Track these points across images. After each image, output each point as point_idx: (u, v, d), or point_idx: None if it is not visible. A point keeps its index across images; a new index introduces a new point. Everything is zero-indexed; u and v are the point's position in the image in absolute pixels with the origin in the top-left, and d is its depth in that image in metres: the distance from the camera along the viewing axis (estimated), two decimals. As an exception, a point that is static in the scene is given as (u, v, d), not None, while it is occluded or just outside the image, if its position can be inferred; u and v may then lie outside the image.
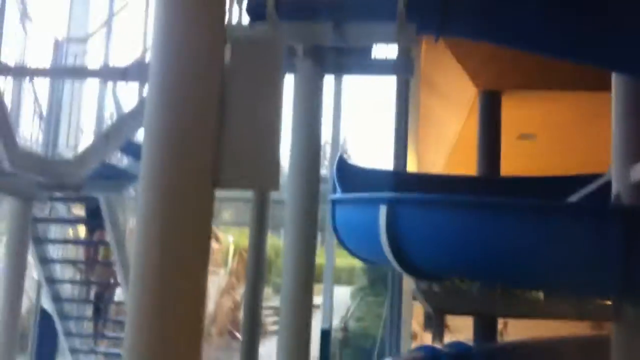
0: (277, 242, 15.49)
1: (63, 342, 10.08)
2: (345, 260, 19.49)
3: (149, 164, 3.24)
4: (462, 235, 6.45)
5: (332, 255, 12.38)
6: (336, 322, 14.66)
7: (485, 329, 11.37)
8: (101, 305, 10.06)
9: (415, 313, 12.79)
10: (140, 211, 3.19)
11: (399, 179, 9.66)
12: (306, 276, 6.81)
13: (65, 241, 9.95)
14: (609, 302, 9.00)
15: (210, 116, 3.22)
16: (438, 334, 10.86)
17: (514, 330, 12.02)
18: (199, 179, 3.18)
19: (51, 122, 9.48)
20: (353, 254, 8.81)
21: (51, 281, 9.56)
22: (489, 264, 6.52)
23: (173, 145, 3.18)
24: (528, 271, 6.42)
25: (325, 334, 10.88)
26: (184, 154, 3.17)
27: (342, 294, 17.99)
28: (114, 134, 8.11)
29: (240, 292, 16.39)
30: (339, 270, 17.26)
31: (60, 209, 9.61)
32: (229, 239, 19.12)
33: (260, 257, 7.43)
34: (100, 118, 9.77)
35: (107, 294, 10.15)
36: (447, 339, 11.05)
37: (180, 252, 3.15)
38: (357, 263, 21.61)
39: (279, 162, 3.35)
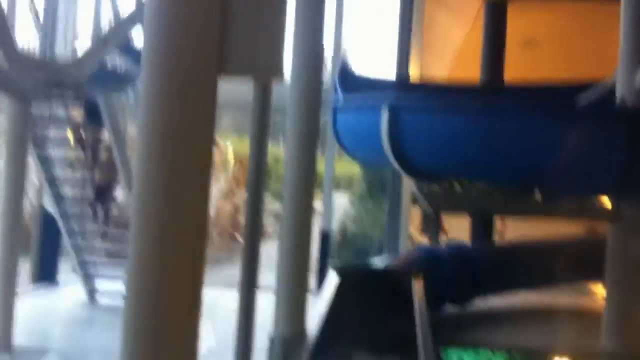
0: (276, 150, 15.54)
1: (66, 242, 10.15)
2: (344, 167, 19.58)
3: (151, 59, 3.18)
4: (464, 138, 6.49)
5: (331, 162, 12.48)
6: (335, 226, 14.83)
7: (482, 230, 11.58)
8: (101, 203, 10.05)
9: (412, 217, 12.96)
10: (144, 106, 3.15)
11: (402, 87, 9.60)
12: (307, 182, 6.82)
13: (66, 142, 9.84)
14: (606, 204, 9.14)
15: (215, 6, 3.15)
16: (435, 236, 11.09)
17: (513, 230, 12.19)
18: (203, 68, 3.13)
19: (48, 23, 9.31)
20: (354, 158, 8.89)
21: (52, 182, 9.56)
22: (491, 165, 6.58)
23: (176, 37, 3.12)
24: (531, 172, 6.48)
25: (325, 236, 11.04)
26: (188, 45, 3.11)
27: (341, 200, 18.15)
28: (112, 37, 7.99)
29: (240, 196, 16.55)
30: (338, 177, 17.36)
31: (59, 112, 9.53)
32: (228, 146, 19.16)
33: (261, 162, 7.38)
34: (97, 21, 9.61)
35: (107, 193, 10.15)
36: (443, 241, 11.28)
37: (185, 144, 3.13)
38: (355, 170, 21.75)
39: (283, 51, 3.29)
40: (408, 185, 12.23)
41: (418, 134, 6.91)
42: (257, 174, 7.54)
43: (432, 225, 11.68)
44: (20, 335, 7.77)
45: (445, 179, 8.02)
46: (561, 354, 9.13)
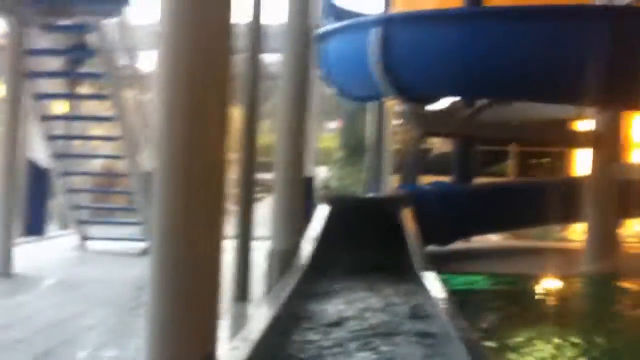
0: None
1: (63, 197, 10.11)
2: (321, 143, 19.90)
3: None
4: (456, 50, 6.62)
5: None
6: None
7: (463, 169, 11.88)
8: None
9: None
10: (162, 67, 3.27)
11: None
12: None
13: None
14: (588, 129, 9.44)
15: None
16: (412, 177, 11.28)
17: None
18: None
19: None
20: (341, 91, 9.05)
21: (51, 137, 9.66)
22: (480, 76, 6.73)
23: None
24: (521, 79, 6.63)
25: (309, 181, 11.19)
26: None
27: (322, 171, 18.36)
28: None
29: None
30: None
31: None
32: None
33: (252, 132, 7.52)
34: None
35: None
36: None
37: (203, 97, 3.29)
38: (333, 143, 22.05)
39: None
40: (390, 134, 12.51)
41: (409, 50, 7.06)
42: (249, 142, 7.73)
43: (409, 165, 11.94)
44: (18, 269, 7.92)
45: (436, 96, 8.18)
46: (543, 278, 9.42)
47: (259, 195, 15.44)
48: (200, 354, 3.26)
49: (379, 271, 6.48)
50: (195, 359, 3.23)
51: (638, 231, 14.44)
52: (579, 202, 9.87)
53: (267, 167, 10.05)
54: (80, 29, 8.67)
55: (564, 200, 10.55)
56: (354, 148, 18.50)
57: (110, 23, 8.74)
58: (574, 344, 6.43)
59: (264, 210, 8.21)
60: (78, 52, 9.29)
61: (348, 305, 5.15)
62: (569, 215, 11.32)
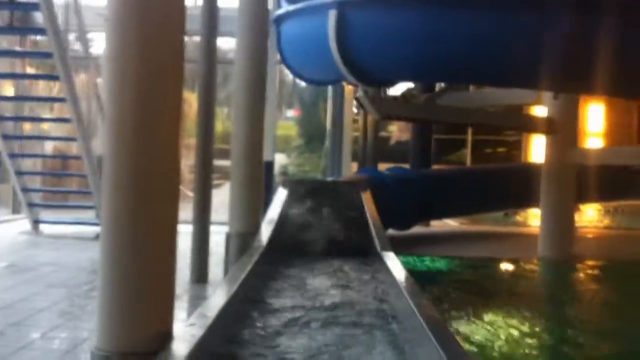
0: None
1: (13, 180, 9.88)
2: (280, 130, 19.84)
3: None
4: (414, 33, 6.54)
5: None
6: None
7: (420, 157, 11.96)
8: None
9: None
10: (110, 71, 3.15)
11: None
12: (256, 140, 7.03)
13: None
14: (545, 115, 9.57)
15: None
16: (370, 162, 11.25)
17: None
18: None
19: None
20: (299, 75, 8.93)
21: None
22: (437, 61, 6.68)
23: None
24: (479, 64, 6.59)
25: (268, 165, 11.12)
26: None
27: (280, 158, 18.31)
28: None
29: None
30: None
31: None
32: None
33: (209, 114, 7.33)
34: None
35: None
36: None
37: (155, 95, 3.17)
38: (292, 131, 21.99)
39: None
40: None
41: (366, 33, 6.95)
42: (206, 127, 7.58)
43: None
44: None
45: (394, 80, 8.12)
46: (500, 261, 9.54)
47: (216, 182, 15.38)
48: (155, 334, 3.18)
49: (339, 252, 6.41)
50: (150, 339, 3.15)
51: (593, 216, 14.73)
52: (535, 188, 9.96)
53: (225, 154, 9.93)
54: (30, 7, 8.44)
55: (521, 186, 10.68)
56: (312, 136, 18.49)
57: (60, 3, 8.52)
58: (529, 324, 6.51)
59: (222, 197, 8.11)
60: (27, 31, 9.04)
61: (305, 287, 5.10)
62: (526, 201, 11.46)
